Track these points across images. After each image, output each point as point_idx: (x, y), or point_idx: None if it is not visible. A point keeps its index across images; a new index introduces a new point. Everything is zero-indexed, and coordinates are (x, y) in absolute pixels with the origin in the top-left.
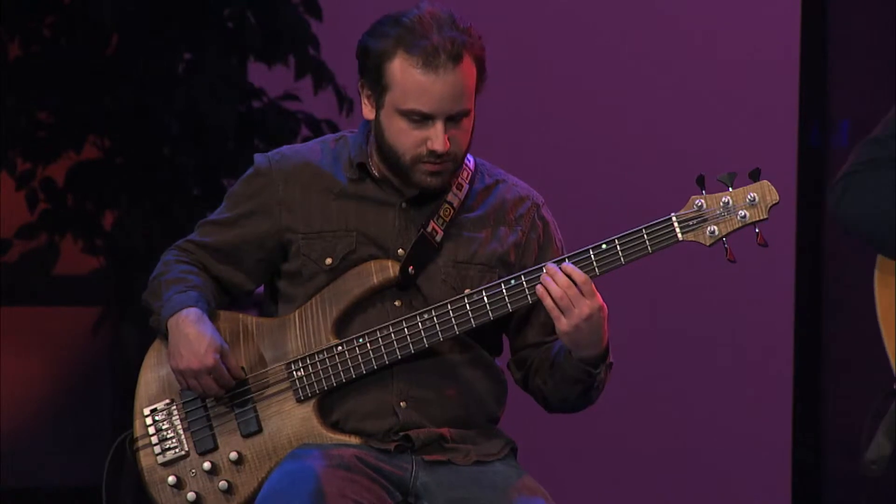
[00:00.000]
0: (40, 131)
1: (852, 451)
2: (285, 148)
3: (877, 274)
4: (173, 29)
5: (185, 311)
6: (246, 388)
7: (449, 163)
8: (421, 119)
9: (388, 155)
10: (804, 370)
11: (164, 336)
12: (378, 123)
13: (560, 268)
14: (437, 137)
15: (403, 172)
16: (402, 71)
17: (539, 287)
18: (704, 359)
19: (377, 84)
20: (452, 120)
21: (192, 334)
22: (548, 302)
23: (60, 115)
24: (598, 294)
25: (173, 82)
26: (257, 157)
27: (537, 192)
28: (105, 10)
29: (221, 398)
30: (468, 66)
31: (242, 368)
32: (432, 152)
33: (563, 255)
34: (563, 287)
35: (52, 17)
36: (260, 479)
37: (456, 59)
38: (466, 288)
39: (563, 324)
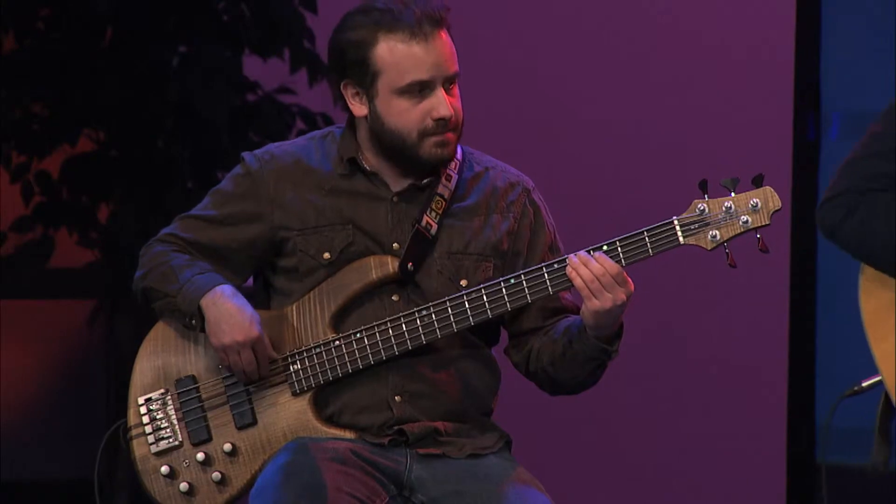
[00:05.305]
0: (35, 124)
1: (846, 445)
2: (273, 146)
3: (861, 280)
4: (168, 22)
5: (219, 288)
6: None
7: (453, 131)
8: (421, 90)
9: (391, 141)
10: (798, 364)
11: (189, 316)
12: (375, 115)
13: (593, 257)
14: (441, 103)
15: (410, 153)
16: (391, 50)
17: (569, 269)
18: (699, 353)
19: (365, 75)
20: (449, 83)
21: (234, 308)
22: (578, 282)
23: (55, 107)
24: (630, 279)
25: (168, 75)
26: (245, 156)
27: (527, 177)
28: (100, 2)
29: (216, 390)
30: (447, 29)
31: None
32: (439, 120)
33: (554, 237)
34: (596, 274)
35: (47, 9)
36: (253, 472)
37: (438, 23)
38: (462, 278)
39: (594, 303)
